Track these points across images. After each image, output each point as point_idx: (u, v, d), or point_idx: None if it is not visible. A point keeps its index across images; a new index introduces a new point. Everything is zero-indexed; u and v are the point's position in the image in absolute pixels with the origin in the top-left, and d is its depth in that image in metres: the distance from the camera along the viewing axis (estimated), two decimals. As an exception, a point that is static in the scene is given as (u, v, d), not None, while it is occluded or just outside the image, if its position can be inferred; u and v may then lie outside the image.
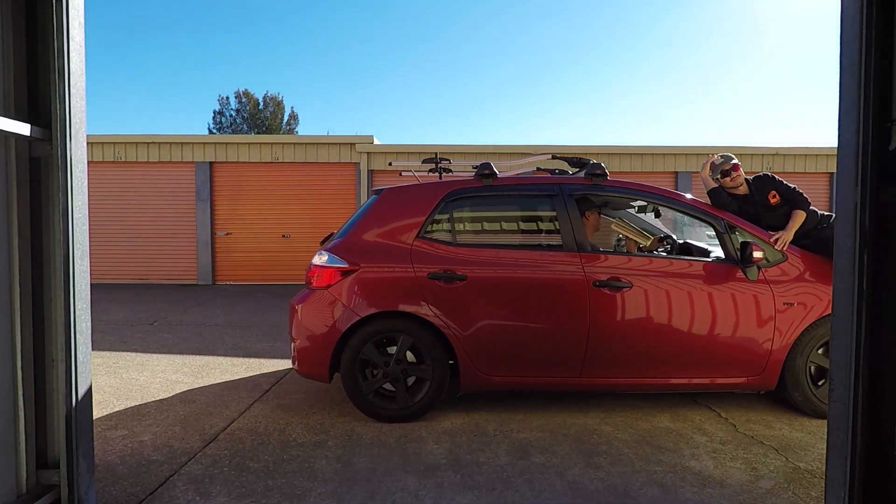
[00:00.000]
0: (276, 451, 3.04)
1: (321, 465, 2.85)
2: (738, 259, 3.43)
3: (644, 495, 2.55)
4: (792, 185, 3.86)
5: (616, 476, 2.75)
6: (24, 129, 1.95)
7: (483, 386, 3.49)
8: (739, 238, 3.55)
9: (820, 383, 3.53)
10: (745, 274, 3.42)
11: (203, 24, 50.87)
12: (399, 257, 3.48)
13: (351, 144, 10.54)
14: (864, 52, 1.73)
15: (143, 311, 7.73)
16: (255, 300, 8.82)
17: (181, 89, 49.89)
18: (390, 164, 5.26)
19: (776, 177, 3.93)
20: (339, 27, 52.27)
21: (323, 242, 4.41)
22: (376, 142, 10.60)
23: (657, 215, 4.66)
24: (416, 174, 4.77)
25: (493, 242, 3.73)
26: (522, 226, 4.30)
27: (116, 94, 47.97)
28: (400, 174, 5.48)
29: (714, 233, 3.68)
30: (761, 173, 4.03)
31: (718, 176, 3.93)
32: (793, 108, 55.21)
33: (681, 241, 4.54)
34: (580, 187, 3.68)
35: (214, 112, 36.27)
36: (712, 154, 4.15)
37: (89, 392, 2.15)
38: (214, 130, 35.09)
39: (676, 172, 10.64)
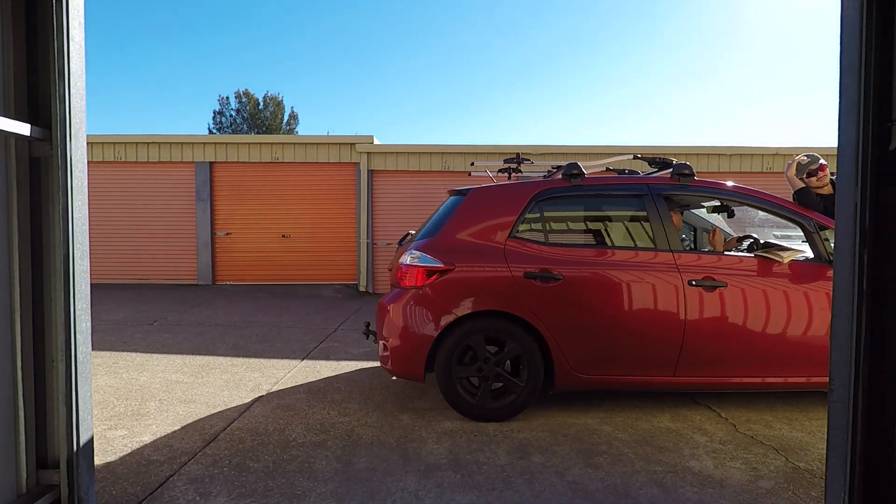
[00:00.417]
0: (276, 451, 3.04)
1: (321, 465, 2.85)
2: (830, 258, 3.45)
3: (644, 495, 2.56)
4: None
5: (616, 476, 2.75)
6: (24, 129, 1.95)
7: (576, 385, 3.51)
8: (828, 237, 3.57)
9: None
10: None
11: (203, 24, 50.88)
12: (493, 257, 3.50)
13: (351, 144, 10.54)
14: (864, 52, 1.73)
15: (143, 311, 7.73)
16: (254, 300, 8.82)
17: (181, 89, 49.91)
18: (472, 163, 5.19)
19: None
20: (340, 27, 52.29)
21: (401, 242, 4.44)
22: (376, 141, 10.59)
23: (730, 215, 4.68)
24: (490, 174, 4.80)
25: (586, 242, 3.77)
26: (612, 225, 4.28)
27: (116, 94, 47.98)
28: (469, 175, 5.57)
29: (781, 233, 3.69)
30: None
31: (804, 176, 3.99)
32: (789, 107, 55.21)
33: (762, 241, 4.54)
34: (668, 187, 3.73)
35: (214, 112, 36.26)
36: (797, 154, 4.19)
37: (89, 392, 2.15)
38: (214, 130, 35.08)
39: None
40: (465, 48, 54.03)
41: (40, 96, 2.09)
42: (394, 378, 4.20)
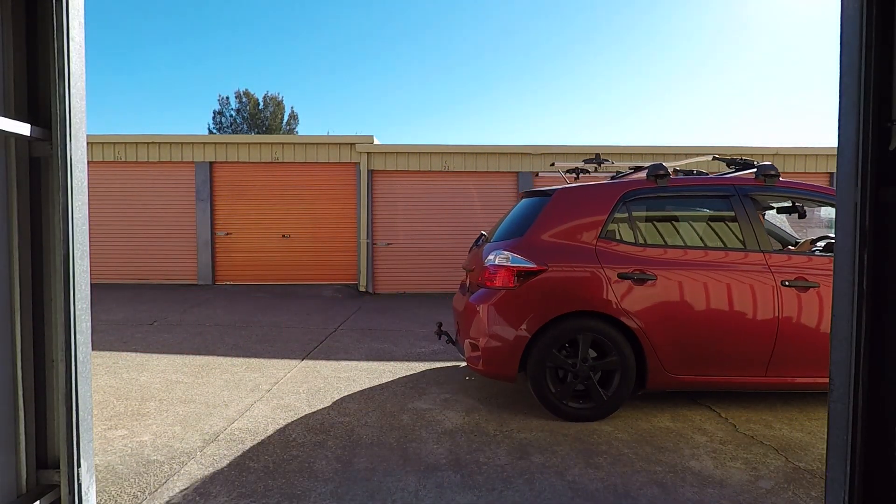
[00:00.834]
0: (276, 451, 3.04)
1: (321, 466, 2.85)
2: None
3: (644, 495, 2.56)
4: None
5: (616, 476, 2.75)
6: (24, 129, 1.95)
7: (668, 385, 3.52)
8: None
9: None
10: None
11: (203, 24, 50.85)
12: (585, 257, 3.53)
13: (351, 144, 10.54)
14: (864, 53, 1.73)
15: (143, 311, 7.73)
16: (254, 300, 8.82)
17: (180, 90, 49.88)
18: (552, 164, 5.15)
19: None
20: (340, 27, 52.28)
21: (477, 243, 4.42)
22: (376, 141, 10.59)
23: (801, 216, 4.67)
24: (564, 175, 4.82)
25: (675, 242, 3.76)
26: (700, 225, 4.28)
27: (116, 94, 47.97)
28: (537, 174, 5.53)
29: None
30: None
31: None
32: (788, 107, 55.24)
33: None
34: (754, 187, 3.75)
35: (214, 112, 36.22)
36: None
37: (89, 392, 2.15)
38: (214, 130, 35.07)
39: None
40: (466, 48, 54.06)
41: (40, 96, 2.09)
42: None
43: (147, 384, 4.31)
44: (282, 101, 36.49)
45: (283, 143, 10.80)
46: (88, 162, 3.32)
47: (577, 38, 53.97)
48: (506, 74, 54.84)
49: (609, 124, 55.34)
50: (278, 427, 3.39)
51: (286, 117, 36.65)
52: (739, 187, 3.73)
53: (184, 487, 2.61)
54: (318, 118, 49.56)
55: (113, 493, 2.56)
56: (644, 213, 3.84)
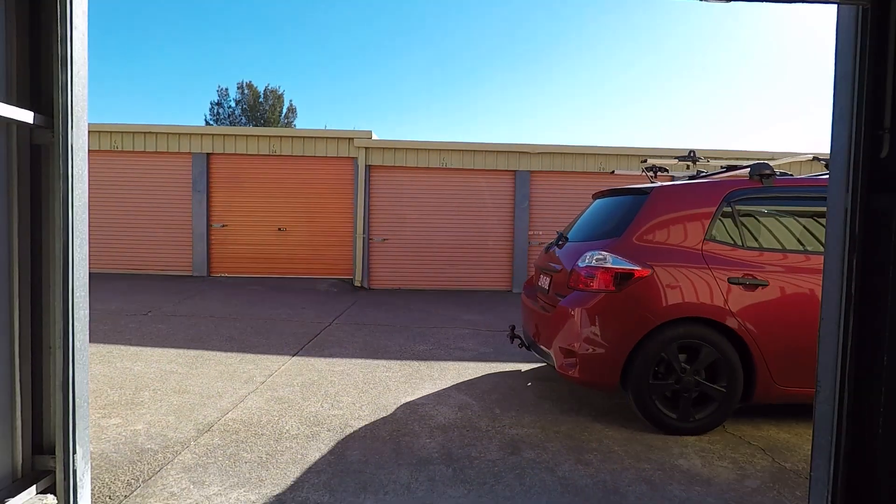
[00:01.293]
0: (269, 442, 3.06)
1: (314, 457, 2.88)
2: None
3: (632, 492, 2.59)
4: None
5: (606, 473, 2.79)
6: (26, 116, 1.96)
7: (775, 397, 3.32)
8: None
9: None
10: None
11: (203, 15, 50.50)
12: (692, 260, 3.34)
13: (349, 139, 10.53)
14: (858, 63, 1.77)
15: (138, 301, 7.72)
16: (249, 293, 8.82)
17: (179, 80, 49.54)
18: (644, 160, 4.92)
19: None
20: (339, 21, 52.03)
21: (557, 242, 4.22)
22: (374, 137, 10.59)
23: None
24: (645, 173, 4.67)
25: (785, 245, 3.55)
26: (811, 228, 4.00)
27: (114, 83, 47.61)
28: (613, 172, 5.46)
29: None
30: None
31: None
32: (783, 113, 55.48)
33: None
34: None
35: (212, 103, 36.04)
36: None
37: (86, 379, 2.16)
38: (212, 122, 34.89)
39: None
40: (465, 44, 53.95)
41: (43, 84, 2.10)
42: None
43: (141, 374, 4.31)
44: (282, 94, 36.36)
45: (280, 136, 10.78)
46: (87, 150, 3.31)
47: (578, 38, 53.97)
48: (506, 74, 54.80)
49: (609, 124, 55.45)
50: (272, 418, 3.41)
51: (284, 110, 36.53)
52: None
53: (177, 476, 2.63)
54: (317, 112, 49.39)
55: (107, 480, 2.57)
56: (749, 214, 3.63)
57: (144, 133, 10.57)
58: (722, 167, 4.27)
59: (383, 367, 4.70)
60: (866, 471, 1.81)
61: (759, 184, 3.56)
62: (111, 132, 10.51)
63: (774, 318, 3.28)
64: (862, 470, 1.82)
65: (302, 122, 37.64)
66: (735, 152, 10.42)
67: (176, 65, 48.55)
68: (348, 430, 3.26)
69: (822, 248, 3.85)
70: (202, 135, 10.70)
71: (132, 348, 5.11)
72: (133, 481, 2.57)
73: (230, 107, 35.61)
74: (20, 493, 2.03)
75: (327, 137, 10.67)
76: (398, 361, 4.94)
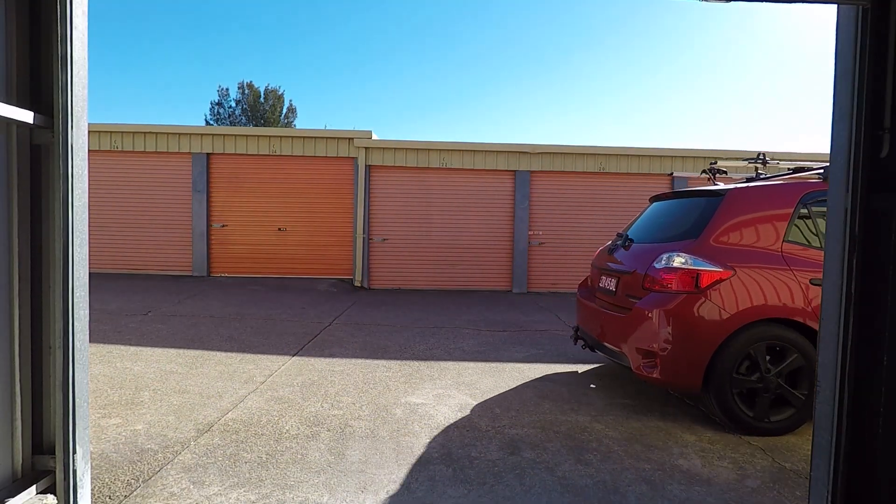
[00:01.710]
0: (269, 442, 3.06)
1: (314, 457, 2.88)
2: None
3: (632, 492, 2.59)
4: None
5: (605, 472, 2.78)
6: (26, 115, 1.96)
7: None
8: None
9: None
10: None
11: (203, 16, 50.50)
12: (773, 261, 3.35)
13: (349, 139, 10.54)
14: (858, 63, 1.77)
15: (138, 301, 7.72)
16: (249, 293, 8.82)
17: (179, 80, 49.53)
18: (714, 161, 4.92)
19: None
20: (339, 22, 52.05)
21: (623, 243, 4.21)
22: (375, 137, 10.59)
23: None
24: (708, 175, 4.67)
25: None
26: None
27: (114, 83, 47.60)
28: (671, 174, 5.39)
29: None
30: None
31: None
32: (780, 113, 55.51)
33: None
34: None
35: (212, 103, 36.02)
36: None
37: (86, 379, 2.16)
38: (212, 122, 34.89)
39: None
40: (467, 47, 53.95)
41: (43, 84, 2.10)
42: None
43: (141, 374, 4.31)
44: (282, 94, 36.35)
45: (280, 136, 10.79)
46: (87, 150, 3.31)
47: (577, 37, 53.97)
48: (507, 74, 54.80)
49: (608, 124, 55.45)
50: (272, 419, 3.41)
51: (284, 110, 36.52)
52: None
53: (177, 476, 2.63)
54: (317, 112, 49.38)
55: (107, 480, 2.57)
56: (824, 216, 3.70)
57: (144, 133, 10.57)
58: (789, 169, 4.27)
59: (383, 367, 4.71)
60: (866, 471, 1.81)
61: None
62: (111, 132, 10.51)
63: None
64: (862, 470, 1.82)
65: (302, 122, 37.66)
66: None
67: (176, 65, 48.56)
68: (348, 430, 3.26)
69: None
70: (202, 135, 10.71)
71: (132, 348, 5.11)
72: (133, 481, 2.57)
73: (230, 107, 35.61)
74: (20, 493, 2.03)
75: (327, 137, 10.67)
76: (398, 361, 4.94)
